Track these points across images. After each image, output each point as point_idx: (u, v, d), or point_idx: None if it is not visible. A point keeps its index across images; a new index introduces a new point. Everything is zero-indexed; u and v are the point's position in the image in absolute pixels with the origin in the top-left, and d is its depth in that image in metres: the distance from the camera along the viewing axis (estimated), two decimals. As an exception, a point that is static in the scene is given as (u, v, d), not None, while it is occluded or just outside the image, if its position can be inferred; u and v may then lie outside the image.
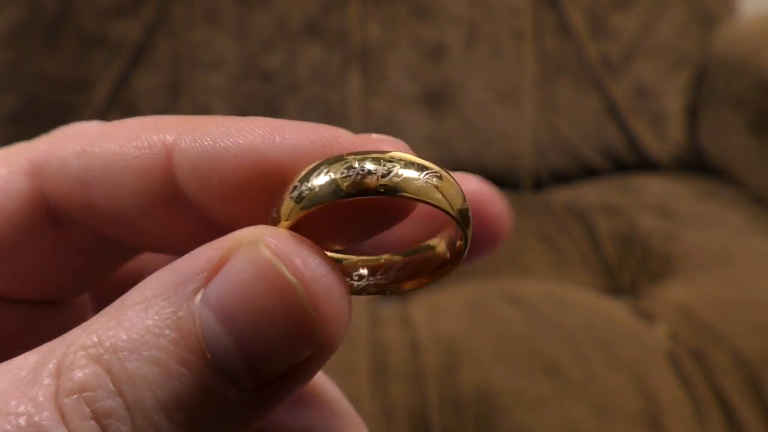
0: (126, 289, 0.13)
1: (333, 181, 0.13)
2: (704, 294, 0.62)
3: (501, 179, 0.93)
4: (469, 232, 0.14)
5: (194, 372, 0.12)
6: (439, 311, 0.60)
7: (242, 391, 0.12)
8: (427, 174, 0.13)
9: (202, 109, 0.92)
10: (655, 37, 0.94)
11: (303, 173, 0.13)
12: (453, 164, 0.93)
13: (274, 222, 0.13)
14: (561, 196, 0.88)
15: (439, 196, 0.13)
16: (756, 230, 0.75)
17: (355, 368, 0.55)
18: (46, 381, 0.12)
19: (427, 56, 0.93)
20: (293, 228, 0.13)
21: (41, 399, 0.12)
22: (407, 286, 0.15)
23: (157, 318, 0.12)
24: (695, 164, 0.93)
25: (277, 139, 0.14)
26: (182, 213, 0.15)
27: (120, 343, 0.12)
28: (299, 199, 0.13)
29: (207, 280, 0.12)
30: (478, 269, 0.71)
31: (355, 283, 0.15)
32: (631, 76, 0.94)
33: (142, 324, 0.12)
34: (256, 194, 0.14)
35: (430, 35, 0.93)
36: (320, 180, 0.13)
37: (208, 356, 0.12)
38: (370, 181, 0.12)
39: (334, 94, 0.92)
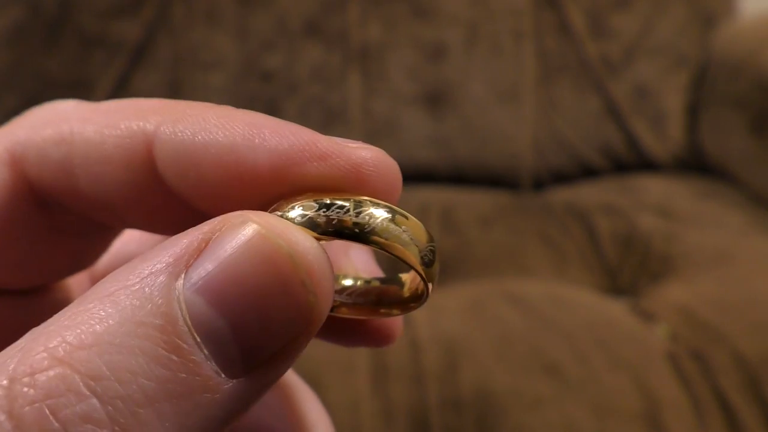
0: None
1: (310, 221, 0.13)
2: (704, 294, 0.62)
3: (501, 179, 0.93)
4: (431, 272, 0.14)
5: (183, 357, 0.11)
6: (439, 311, 0.60)
7: (233, 376, 0.12)
8: (393, 215, 0.13)
9: (202, 109, 0.92)
10: (655, 37, 0.94)
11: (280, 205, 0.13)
12: (453, 164, 0.93)
13: None
14: (561, 196, 0.88)
15: (407, 238, 0.13)
16: (756, 230, 0.75)
17: (355, 368, 0.55)
18: None
19: (427, 56, 0.93)
20: None
21: None
22: (381, 313, 0.16)
23: (134, 306, 0.11)
24: (695, 164, 0.93)
25: (257, 141, 0.13)
26: (165, 199, 0.15)
27: (94, 338, 0.11)
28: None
29: (187, 264, 0.12)
30: (478, 269, 0.71)
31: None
32: (631, 76, 0.94)
33: (119, 315, 0.11)
34: (233, 189, 0.14)
35: (430, 35, 0.93)
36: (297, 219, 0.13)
37: (198, 339, 0.11)
38: (345, 218, 0.13)
39: (334, 94, 0.92)
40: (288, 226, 0.12)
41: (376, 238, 0.13)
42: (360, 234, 0.13)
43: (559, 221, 0.80)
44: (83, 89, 0.92)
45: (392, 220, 0.13)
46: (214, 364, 0.11)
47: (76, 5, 0.91)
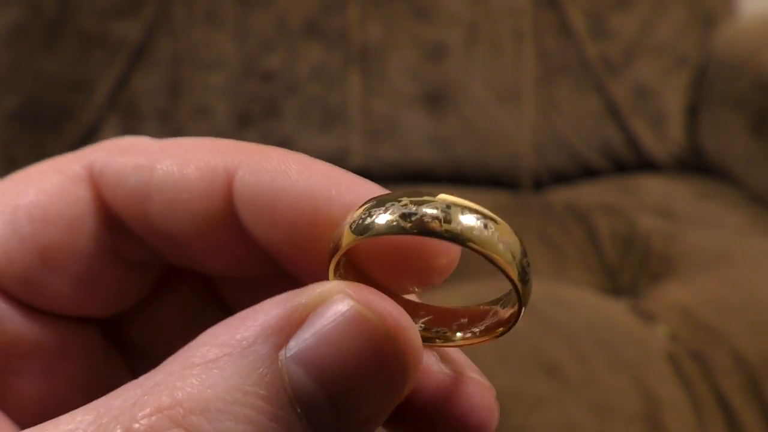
0: None
1: (393, 220, 0.13)
2: (704, 294, 0.62)
3: (501, 179, 0.93)
4: (527, 291, 0.14)
5: (285, 426, 0.12)
6: (439, 311, 0.60)
7: None
8: (484, 221, 0.13)
9: (202, 109, 0.92)
10: (655, 37, 0.94)
11: (360, 210, 0.13)
12: (453, 164, 0.93)
13: (333, 251, 0.14)
14: (561, 196, 0.88)
15: (501, 247, 0.13)
16: (756, 230, 0.75)
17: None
18: None
19: (427, 56, 0.93)
20: (349, 261, 0.14)
21: None
22: (464, 342, 0.15)
23: (240, 376, 0.12)
24: (695, 164, 0.93)
25: (333, 192, 0.14)
26: (235, 237, 0.15)
27: (205, 404, 0.11)
28: (360, 229, 0.13)
29: (289, 336, 0.12)
30: (478, 269, 0.71)
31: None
32: (631, 76, 0.94)
33: (225, 383, 0.12)
34: (303, 234, 0.14)
35: (430, 35, 0.93)
36: (381, 219, 0.13)
37: (298, 410, 0.12)
38: (435, 225, 0.13)
39: (334, 94, 0.92)
40: (383, 302, 0.13)
41: (472, 244, 0.13)
42: (454, 239, 0.13)
43: (559, 221, 0.80)
44: (83, 89, 0.92)
45: (485, 227, 0.13)
46: (310, 430, 0.12)
47: (76, 5, 0.91)
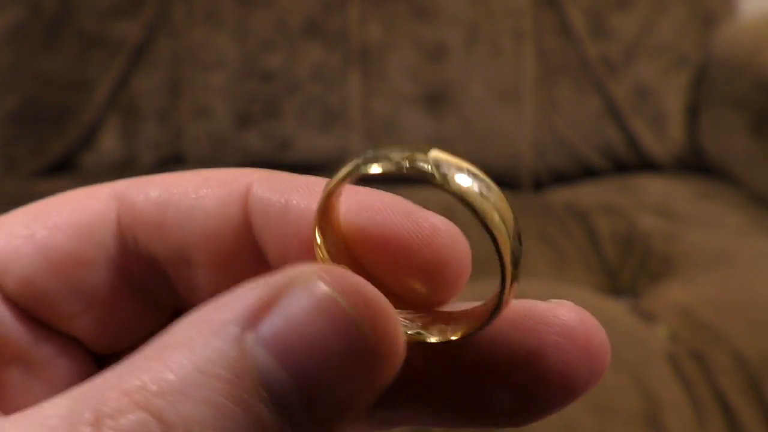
0: None
1: (387, 168, 0.12)
2: (704, 294, 0.62)
3: (501, 179, 0.93)
4: (513, 276, 0.12)
5: (250, 411, 0.12)
6: (439, 311, 0.60)
7: (295, 426, 0.12)
8: (479, 184, 0.12)
9: (202, 109, 0.92)
10: (655, 37, 0.94)
11: (350, 163, 0.13)
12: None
13: (320, 206, 0.13)
14: (561, 196, 0.88)
15: (497, 218, 0.12)
16: (756, 230, 0.75)
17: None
18: (84, 430, 0.11)
19: (427, 56, 0.93)
20: (354, 262, 0.13)
21: None
22: (454, 335, 0.14)
23: (207, 358, 0.12)
24: (695, 164, 0.93)
25: (356, 206, 0.14)
26: (250, 258, 0.15)
27: (168, 386, 0.11)
28: (346, 175, 0.13)
29: (259, 318, 0.12)
30: (478, 269, 0.71)
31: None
32: (631, 76, 0.94)
33: (192, 365, 0.12)
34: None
35: (430, 35, 0.93)
36: (373, 168, 0.12)
37: (264, 394, 0.12)
38: (430, 178, 0.12)
39: (334, 94, 0.92)
40: (358, 285, 0.12)
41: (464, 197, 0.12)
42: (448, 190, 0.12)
43: (559, 221, 0.80)
44: (83, 89, 0.92)
45: (481, 194, 0.12)
46: (277, 416, 0.12)
47: (76, 5, 0.91)
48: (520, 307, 0.14)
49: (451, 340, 0.14)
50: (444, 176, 0.12)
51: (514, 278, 0.12)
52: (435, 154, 0.12)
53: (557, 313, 0.14)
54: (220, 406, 0.11)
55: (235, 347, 0.12)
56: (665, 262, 0.71)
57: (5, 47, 0.91)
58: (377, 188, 0.15)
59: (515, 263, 0.12)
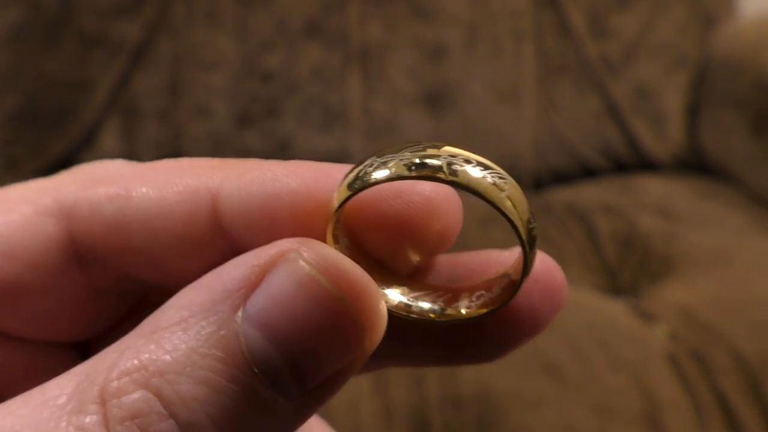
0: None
1: (395, 173, 0.13)
2: (704, 294, 0.62)
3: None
4: (533, 256, 0.13)
5: (244, 387, 0.12)
6: (439, 311, 0.60)
7: (289, 399, 0.12)
8: (491, 174, 0.13)
9: (202, 109, 0.92)
10: (655, 37, 0.94)
11: (359, 167, 0.13)
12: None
13: (331, 210, 0.14)
14: (561, 196, 0.88)
15: (509, 204, 0.13)
16: (756, 230, 0.75)
17: (355, 368, 0.55)
18: (92, 408, 0.12)
19: (427, 56, 0.93)
20: (352, 239, 0.14)
21: (91, 428, 0.12)
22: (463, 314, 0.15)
23: (200, 338, 0.12)
24: (695, 164, 0.93)
25: (329, 183, 0.14)
26: (225, 256, 0.15)
27: (165, 366, 0.12)
28: (355, 185, 0.13)
29: (246, 297, 0.12)
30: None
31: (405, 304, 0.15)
32: (631, 76, 0.94)
33: (185, 345, 0.12)
34: (308, 231, 0.14)
35: (430, 35, 0.93)
36: (380, 174, 0.13)
37: (256, 370, 0.12)
38: (440, 175, 0.12)
39: (334, 94, 0.92)
40: (336, 261, 0.13)
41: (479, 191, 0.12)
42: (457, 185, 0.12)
43: (559, 221, 0.80)
44: (83, 89, 0.92)
45: (494, 184, 0.12)
46: (271, 390, 0.12)
47: (76, 5, 0.91)
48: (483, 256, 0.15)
49: (482, 314, 0.14)
50: (454, 172, 0.12)
51: (532, 251, 0.13)
52: (446, 149, 0.13)
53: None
54: (215, 384, 0.12)
55: (225, 327, 0.12)
56: (665, 262, 0.71)
57: (5, 47, 0.91)
58: None
59: (531, 243, 0.13)
